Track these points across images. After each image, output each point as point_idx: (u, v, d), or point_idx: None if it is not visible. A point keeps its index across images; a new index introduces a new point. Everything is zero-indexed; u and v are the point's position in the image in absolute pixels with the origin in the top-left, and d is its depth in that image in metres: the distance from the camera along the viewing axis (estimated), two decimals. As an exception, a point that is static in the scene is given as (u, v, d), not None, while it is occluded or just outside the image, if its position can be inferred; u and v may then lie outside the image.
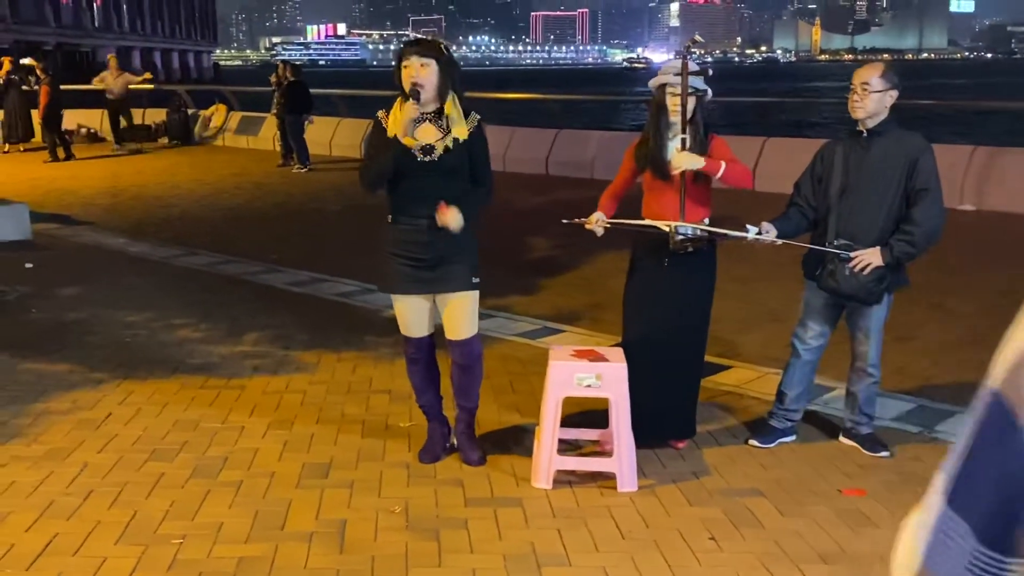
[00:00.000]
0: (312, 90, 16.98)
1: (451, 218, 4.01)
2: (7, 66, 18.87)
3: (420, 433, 4.65)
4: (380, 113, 4.17)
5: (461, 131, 4.11)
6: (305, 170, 15.81)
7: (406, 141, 4.03)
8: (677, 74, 4.35)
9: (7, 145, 18.73)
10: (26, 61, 18.97)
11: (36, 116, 18.14)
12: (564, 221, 4.52)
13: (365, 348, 6.23)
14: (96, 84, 19.26)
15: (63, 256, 9.37)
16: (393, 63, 4.20)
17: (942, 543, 0.78)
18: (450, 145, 4.08)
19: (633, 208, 4.58)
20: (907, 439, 4.70)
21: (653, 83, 4.52)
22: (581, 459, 4.37)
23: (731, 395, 5.34)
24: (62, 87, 18.35)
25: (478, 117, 4.20)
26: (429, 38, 4.26)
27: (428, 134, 4.08)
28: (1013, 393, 0.74)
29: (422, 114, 4.09)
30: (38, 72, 17.81)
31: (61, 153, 17.42)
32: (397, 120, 4.06)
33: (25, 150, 18.66)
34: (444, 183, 4.11)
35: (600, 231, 4.51)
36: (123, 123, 19.47)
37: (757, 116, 17.72)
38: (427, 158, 4.07)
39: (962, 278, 8.04)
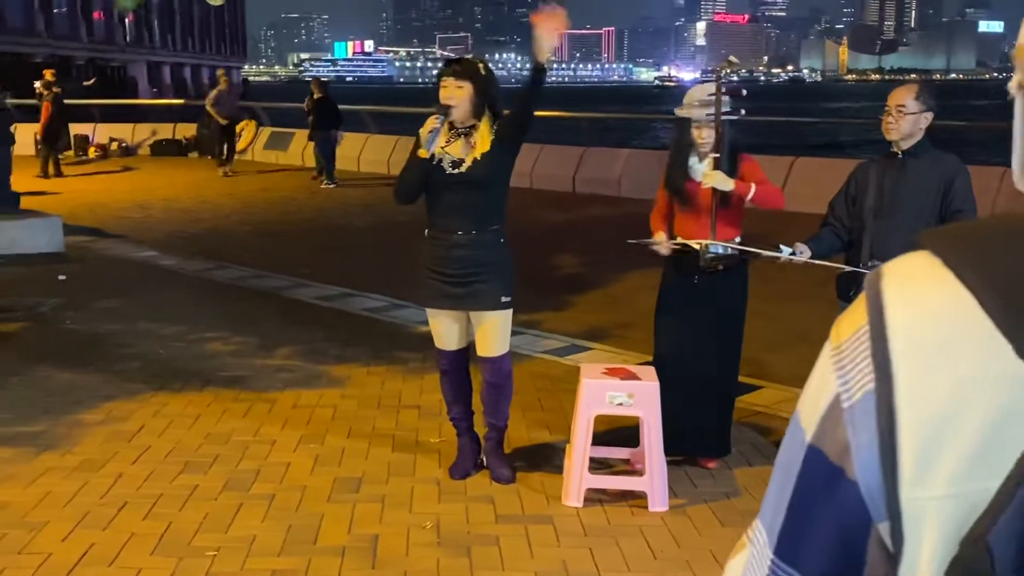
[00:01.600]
0: (341, 106, 17.13)
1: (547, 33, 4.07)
2: (48, 77, 19.13)
3: (450, 449, 4.66)
4: (422, 129, 4.23)
5: (484, 145, 4.15)
6: (332, 186, 15.91)
7: (420, 153, 4.11)
8: (700, 104, 4.36)
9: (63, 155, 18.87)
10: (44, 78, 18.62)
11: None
12: (630, 242, 4.55)
13: (394, 363, 6.25)
14: (210, 107, 17.68)
15: (96, 269, 9.47)
16: (423, 80, 4.26)
17: None
18: (478, 157, 4.13)
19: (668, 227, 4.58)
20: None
21: (679, 112, 4.52)
22: (612, 477, 4.36)
23: (762, 415, 5.32)
24: (96, 101, 18.56)
25: (496, 123, 4.24)
26: (468, 57, 4.29)
27: (458, 148, 4.14)
28: (831, 444, 0.69)
29: (457, 129, 4.14)
30: (39, 88, 17.88)
31: (51, 169, 16.95)
32: (425, 133, 4.13)
33: (65, 162, 18.85)
34: (475, 196, 4.16)
35: (667, 252, 4.50)
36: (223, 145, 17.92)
37: (784, 136, 17.68)
38: (456, 171, 4.12)
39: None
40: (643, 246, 4.54)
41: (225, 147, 17.66)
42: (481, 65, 4.20)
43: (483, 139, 4.17)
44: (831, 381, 0.70)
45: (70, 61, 52.82)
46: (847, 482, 0.69)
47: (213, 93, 17.53)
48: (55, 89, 17.69)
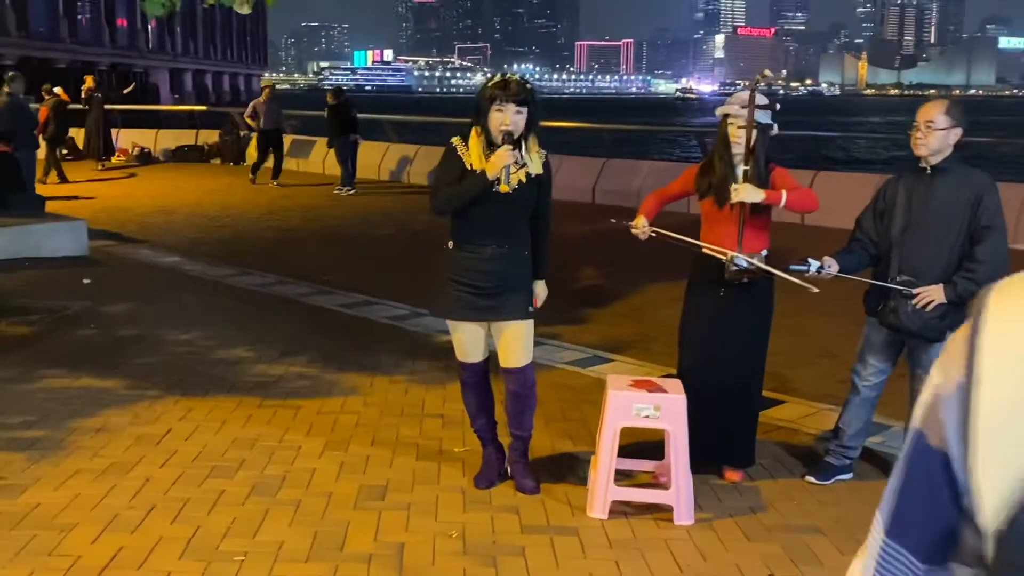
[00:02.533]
0: (361, 115, 17.22)
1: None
2: (90, 83, 19.33)
3: (474, 458, 4.67)
4: (455, 140, 4.22)
5: (536, 166, 4.18)
6: (349, 193, 15.97)
7: (502, 188, 4.08)
8: (743, 106, 4.39)
9: (99, 163, 19.06)
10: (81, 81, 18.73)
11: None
12: (612, 220, 4.55)
13: (417, 372, 6.27)
14: (248, 119, 17.20)
15: (120, 273, 9.54)
16: (442, 90, 4.24)
17: (884, 569, 0.87)
18: (523, 179, 4.14)
19: (693, 235, 4.58)
20: (966, 480, 4.63)
21: (719, 111, 4.56)
22: (637, 490, 4.36)
23: (785, 430, 5.31)
24: (119, 106, 18.69)
25: (544, 152, 4.27)
26: (520, 80, 4.19)
27: (503, 189, 4.11)
28: (933, 429, 0.84)
29: (498, 146, 4.14)
30: (43, 92, 18.00)
31: (53, 176, 16.47)
32: (478, 151, 4.12)
33: (104, 168, 19.08)
34: (513, 214, 4.19)
35: (643, 236, 4.52)
36: (267, 158, 17.08)
37: (804, 150, 17.63)
38: (496, 189, 4.12)
39: (1018, 318, 7.93)
40: (626, 228, 4.54)
41: (270, 157, 16.96)
42: (530, 87, 4.17)
43: (534, 161, 4.19)
44: (934, 374, 0.87)
45: (93, 67, 53.26)
46: (942, 459, 0.83)
47: (254, 104, 17.00)
48: (56, 92, 17.57)
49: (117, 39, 59.07)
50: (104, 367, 6.25)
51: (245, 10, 5.98)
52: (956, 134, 4.28)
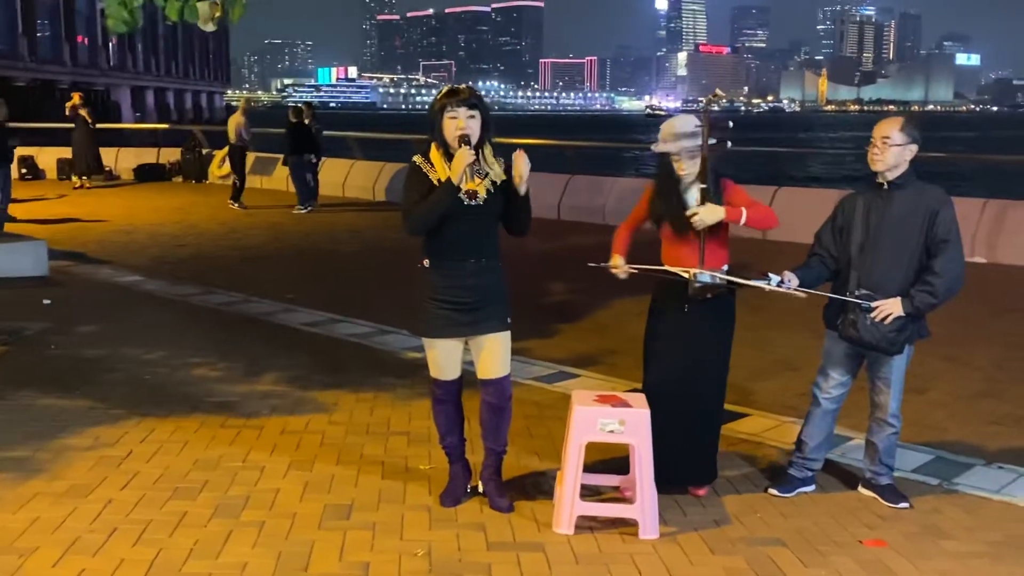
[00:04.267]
0: (326, 132, 17.17)
1: (523, 163, 4.10)
2: (76, 100, 19.15)
3: (440, 476, 4.66)
4: (417, 159, 4.22)
5: (499, 173, 4.19)
6: (304, 211, 15.88)
7: (469, 186, 4.07)
8: (675, 138, 4.41)
9: (81, 180, 18.92)
10: None
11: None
12: (591, 265, 4.59)
13: (382, 389, 6.26)
14: (232, 133, 16.78)
15: (81, 293, 9.43)
16: (407, 107, 4.24)
17: None
18: (491, 189, 4.15)
19: (652, 253, 4.63)
20: (926, 491, 4.70)
21: (656, 149, 4.56)
22: (603, 505, 4.37)
23: (749, 443, 5.35)
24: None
25: (502, 159, 4.28)
26: (467, 86, 4.28)
27: (470, 187, 4.12)
28: None
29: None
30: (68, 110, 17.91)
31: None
32: (441, 165, 4.13)
33: (91, 187, 18.95)
34: (485, 226, 4.21)
35: (623, 275, 4.58)
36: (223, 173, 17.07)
37: (767, 165, 17.81)
38: (473, 202, 4.14)
39: (975, 330, 8.06)
40: (603, 269, 4.59)
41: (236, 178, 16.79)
42: (479, 94, 4.24)
43: (495, 169, 4.20)
44: None
45: (53, 85, 52.71)
46: None
47: (238, 120, 16.79)
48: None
49: (78, 57, 58.54)
50: (64, 388, 6.18)
51: (210, 27, 5.95)
52: (912, 150, 4.36)
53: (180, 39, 77.96)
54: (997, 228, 11.72)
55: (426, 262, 4.25)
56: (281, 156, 18.86)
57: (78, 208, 16.12)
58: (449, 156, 4.14)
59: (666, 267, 4.53)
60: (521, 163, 4.12)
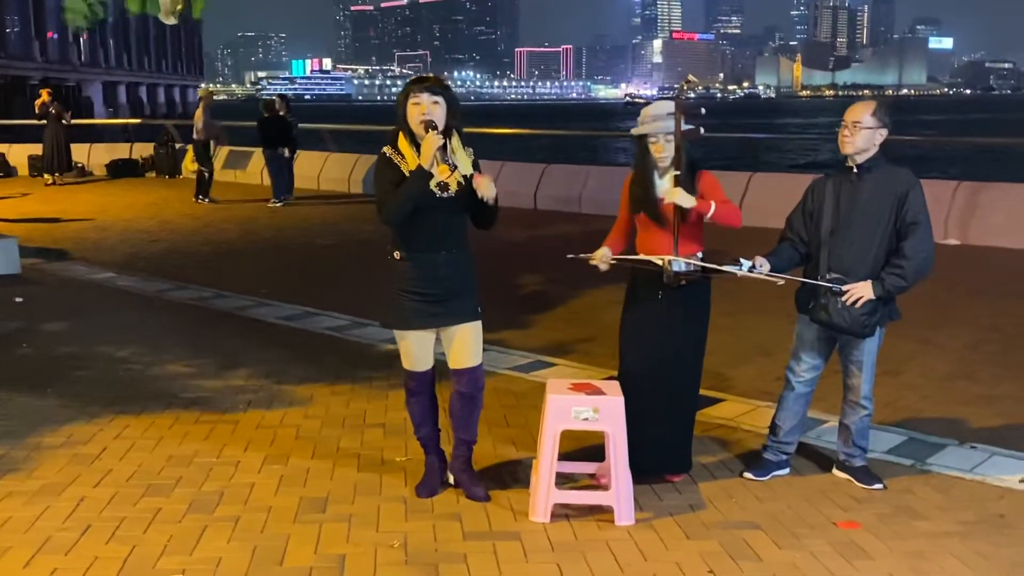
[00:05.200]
0: (301, 124, 17.06)
1: (487, 186, 4.08)
2: (45, 97, 18.93)
3: (416, 467, 4.66)
4: (387, 150, 4.19)
5: (467, 166, 4.18)
6: (279, 204, 15.78)
7: (442, 175, 4.04)
8: (655, 119, 4.42)
9: (53, 177, 18.77)
10: None
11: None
12: (569, 256, 4.59)
13: (358, 382, 6.24)
14: (197, 127, 16.47)
15: (53, 290, 9.35)
16: (382, 98, 4.21)
17: None
18: (461, 181, 4.14)
19: (629, 244, 4.64)
20: (899, 472, 4.74)
21: (636, 132, 4.56)
22: (578, 493, 4.38)
23: (724, 428, 5.37)
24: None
25: (471, 149, 4.27)
26: (434, 76, 4.27)
27: (441, 171, 4.10)
28: None
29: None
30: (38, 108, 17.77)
31: None
32: (411, 154, 4.11)
33: (63, 184, 18.79)
34: (456, 217, 4.20)
35: (604, 267, 4.58)
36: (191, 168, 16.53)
37: (742, 151, 17.86)
38: (444, 194, 4.12)
39: (948, 312, 8.13)
40: (582, 261, 4.58)
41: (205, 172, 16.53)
42: (446, 83, 4.21)
43: (464, 162, 4.18)
44: None
45: (24, 81, 52.18)
46: None
47: (198, 114, 16.60)
48: None
49: (48, 52, 57.97)
50: (37, 386, 6.12)
51: (171, 21, 5.88)
52: (882, 134, 4.38)
53: (152, 33, 77.36)
54: (970, 210, 11.81)
55: (397, 254, 4.23)
56: (256, 150, 18.85)
57: (50, 205, 15.97)
58: (416, 144, 4.12)
59: (641, 256, 4.54)
60: (484, 188, 4.09)
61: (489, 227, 4.31)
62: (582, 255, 4.59)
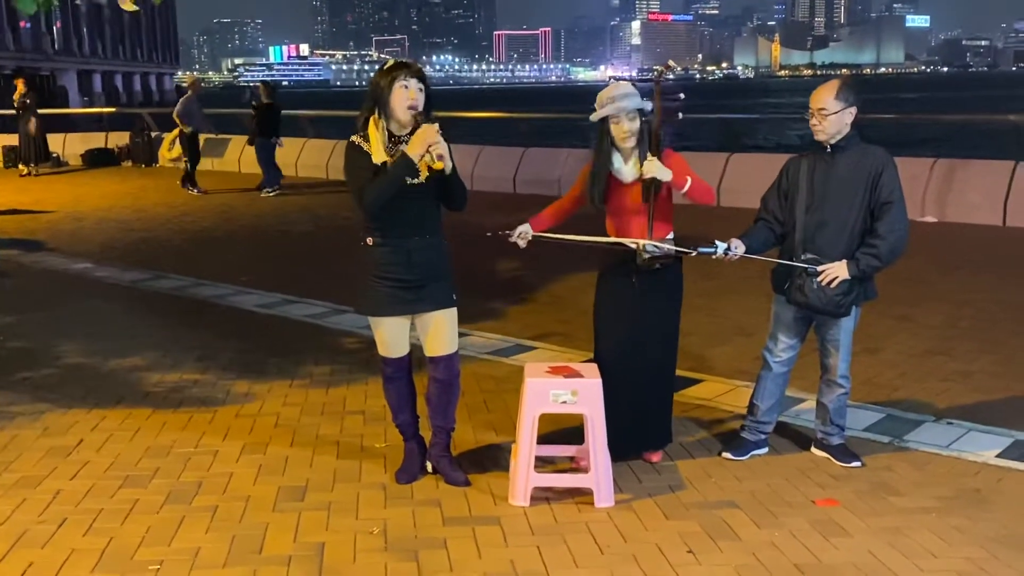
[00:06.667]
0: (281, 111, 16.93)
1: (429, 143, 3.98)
2: (21, 88, 18.72)
3: (395, 454, 4.65)
4: (355, 138, 4.15)
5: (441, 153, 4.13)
6: (272, 194, 15.67)
7: (437, 166, 3.99)
8: (611, 100, 4.38)
9: (28, 167, 18.58)
10: None
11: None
12: (488, 234, 4.49)
13: (338, 369, 6.22)
14: (176, 117, 15.89)
15: (28, 282, 9.27)
16: (360, 83, 4.14)
17: None
18: (431, 166, 4.10)
19: (593, 226, 4.61)
20: (878, 449, 4.76)
21: (595, 117, 4.49)
22: (558, 476, 4.39)
23: (703, 408, 5.39)
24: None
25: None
26: (414, 62, 4.21)
27: (437, 167, 4.03)
28: None
29: (399, 137, 4.10)
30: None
31: None
32: (378, 141, 4.06)
33: (39, 174, 18.61)
34: (428, 204, 4.17)
35: (523, 244, 4.53)
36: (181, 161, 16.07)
37: (719, 132, 17.82)
38: (415, 181, 4.09)
39: (926, 289, 8.17)
40: (503, 238, 4.50)
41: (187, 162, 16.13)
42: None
43: (439, 146, 4.13)
44: None
45: (-3, 71, 51.62)
46: None
47: (182, 100, 16.23)
48: None
49: (21, 41, 57.33)
50: (13, 379, 6.07)
51: (128, 7, 5.79)
52: (851, 113, 4.37)
53: (127, 21, 76.57)
54: (946, 187, 11.86)
55: (370, 240, 4.21)
56: (234, 137, 18.71)
57: (26, 196, 15.81)
58: (391, 135, 4.08)
59: (612, 238, 4.52)
60: (424, 141, 3.98)
61: (460, 207, 4.26)
62: (501, 232, 4.49)
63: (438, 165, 4.00)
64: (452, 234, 4.39)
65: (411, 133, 4.05)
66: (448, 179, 4.09)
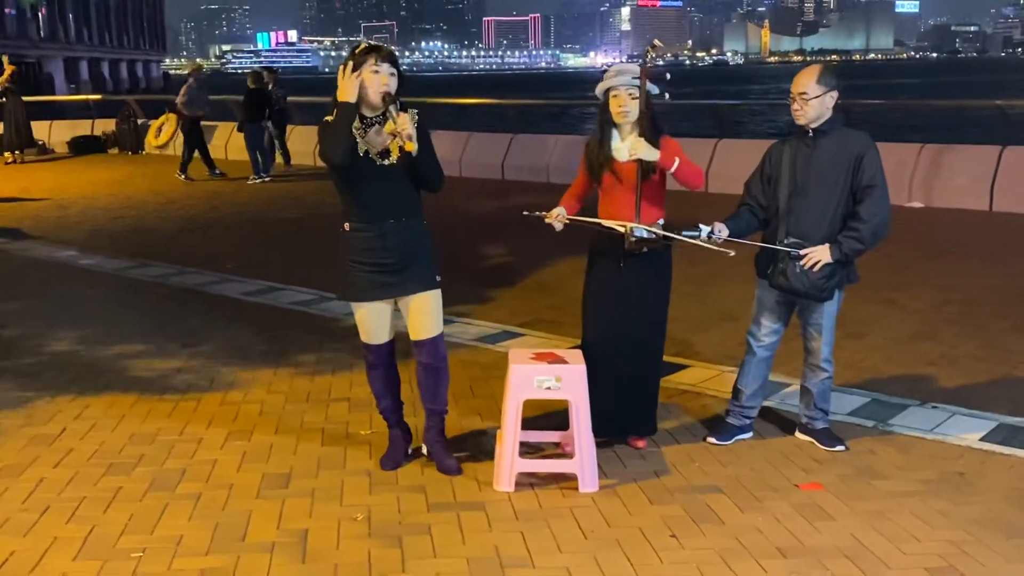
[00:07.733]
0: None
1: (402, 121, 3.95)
2: (6, 75, 18.58)
3: (380, 440, 4.64)
4: (328, 119, 4.11)
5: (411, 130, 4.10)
6: (260, 181, 15.60)
7: (407, 147, 3.95)
8: (617, 73, 4.42)
9: (14, 155, 18.50)
10: None
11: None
12: (525, 213, 4.59)
13: (323, 356, 6.20)
14: (180, 102, 16.11)
15: (13, 270, 9.22)
16: (351, 57, 4.07)
17: None
18: (402, 147, 4.07)
19: (589, 209, 4.62)
20: (862, 433, 4.78)
21: (600, 88, 4.54)
22: (542, 461, 4.39)
23: (689, 394, 5.39)
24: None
25: (416, 111, 4.18)
26: (384, 45, 4.18)
27: (408, 147, 4.01)
28: None
29: (372, 118, 4.08)
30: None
31: None
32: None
33: (25, 162, 18.51)
34: (401, 185, 4.14)
35: (559, 226, 4.58)
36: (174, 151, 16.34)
37: (708, 117, 17.81)
38: (385, 162, 4.07)
39: (912, 274, 8.19)
40: (537, 219, 4.58)
41: (187, 151, 16.12)
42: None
43: (406, 127, 4.10)
44: None
45: (-18, 58, 51.22)
46: None
47: (183, 89, 16.13)
48: None
49: (6, 28, 56.93)
50: (-4, 368, 6.04)
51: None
52: (832, 96, 4.37)
53: (113, 7, 76.10)
54: (933, 172, 11.88)
55: (347, 226, 4.19)
56: (220, 124, 18.61)
57: (11, 184, 15.71)
58: (361, 115, 4.07)
59: (603, 220, 4.52)
60: (393, 123, 3.97)
61: (436, 186, 4.22)
62: (537, 212, 4.57)
63: (409, 146, 3.97)
64: (446, 220, 4.37)
65: (382, 114, 4.03)
66: (418, 159, 4.06)
